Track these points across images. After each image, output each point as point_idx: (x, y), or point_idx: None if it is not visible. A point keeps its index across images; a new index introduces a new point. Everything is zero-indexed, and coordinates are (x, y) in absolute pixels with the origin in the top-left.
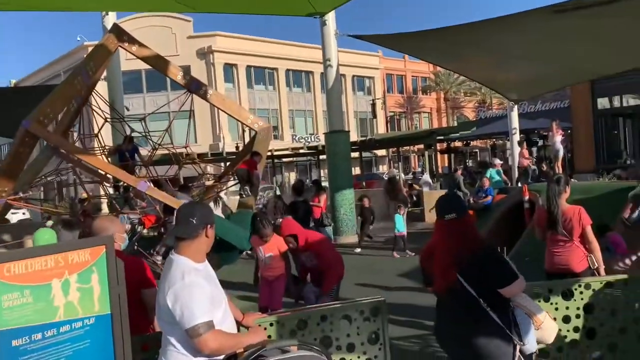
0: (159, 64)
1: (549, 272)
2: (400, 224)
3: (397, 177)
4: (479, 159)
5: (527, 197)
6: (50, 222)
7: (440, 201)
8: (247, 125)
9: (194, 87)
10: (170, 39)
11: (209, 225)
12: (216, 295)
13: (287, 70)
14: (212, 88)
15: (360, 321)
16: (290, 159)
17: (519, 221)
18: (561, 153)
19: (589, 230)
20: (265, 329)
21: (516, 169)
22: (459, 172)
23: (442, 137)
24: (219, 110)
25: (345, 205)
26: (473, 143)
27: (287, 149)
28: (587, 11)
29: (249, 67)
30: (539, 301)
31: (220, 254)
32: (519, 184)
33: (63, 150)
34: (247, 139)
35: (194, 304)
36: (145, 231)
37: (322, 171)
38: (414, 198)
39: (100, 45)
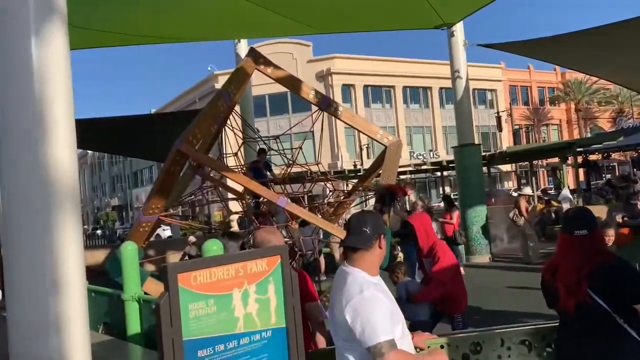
0: (292, 84)
1: None
2: None
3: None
4: (617, 173)
5: None
6: (192, 238)
7: (569, 215)
8: (376, 140)
9: (325, 105)
10: (291, 64)
11: (382, 236)
12: (395, 312)
13: (405, 88)
14: (342, 105)
15: (540, 348)
16: (409, 176)
17: None
18: None
19: None
20: None
21: None
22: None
23: (581, 149)
24: (337, 130)
25: (477, 223)
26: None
27: (408, 166)
28: None
29: (366, 86)
30: None
31: None
32: None
33: (212, 168)
34: (364, 158)
35: (375, 320)
36: None
37: (442, 188)
38: (552, 215)
39: (239, 68)
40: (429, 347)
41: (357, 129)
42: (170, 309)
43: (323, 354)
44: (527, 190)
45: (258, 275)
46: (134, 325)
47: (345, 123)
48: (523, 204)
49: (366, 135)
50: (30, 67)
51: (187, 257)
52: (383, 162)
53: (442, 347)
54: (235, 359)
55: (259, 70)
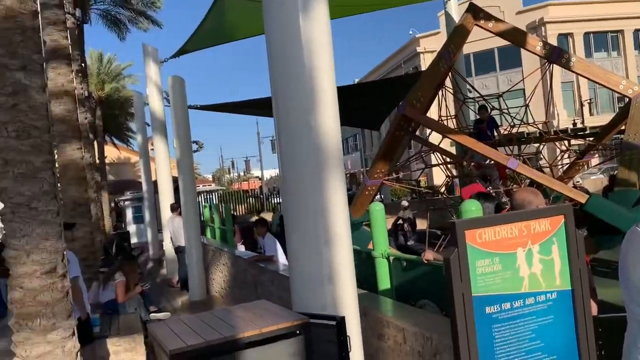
0: (516, 37)
1: None
2: None
3: None
4: None
5: None
6: (404, 202)
7: None
8: (618, 92)
9: (555, 56)
10: (499, 17)
11: None
12: None
13: (636, 31)
14: (575, 54)
15: None
16: None
17: None
18: None
19: None
20: None
21: None
22: None
23: None
24: (552, 86)
25: None
26: None
27: None
28: None
29: (586, 34)
30: None
31: (598, 238)
32: None
33: (437, 131)
34: (586, 114)
35: None
36: None
37: None
38: None
39: (459, 26)
40: None
41: (593, 81)
42: (459, 264)
43: (611, 320)
44: None
45: (541, 235)
46: (384, 281)
47: (580, 75)
48: None
49: (605, 87)
50: (299, 39)
51: (400, 221)
52: (626, 117)
53: None
54: (521, 318)
55: (478, 25)
